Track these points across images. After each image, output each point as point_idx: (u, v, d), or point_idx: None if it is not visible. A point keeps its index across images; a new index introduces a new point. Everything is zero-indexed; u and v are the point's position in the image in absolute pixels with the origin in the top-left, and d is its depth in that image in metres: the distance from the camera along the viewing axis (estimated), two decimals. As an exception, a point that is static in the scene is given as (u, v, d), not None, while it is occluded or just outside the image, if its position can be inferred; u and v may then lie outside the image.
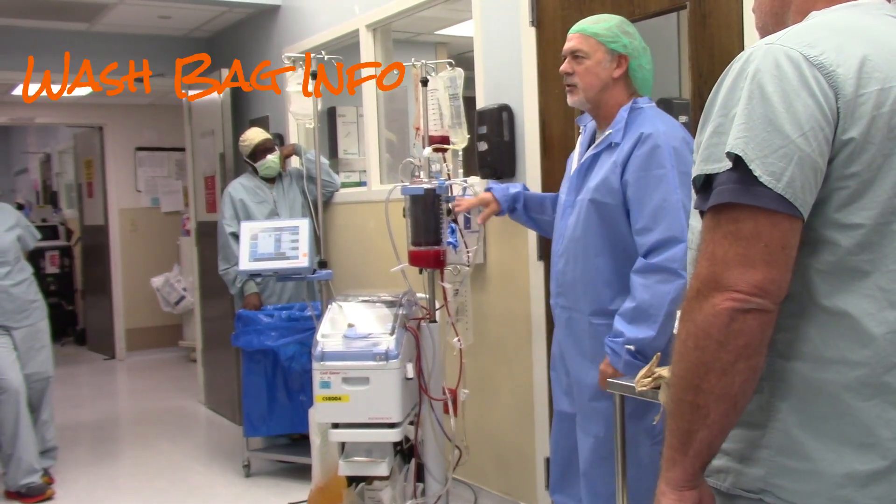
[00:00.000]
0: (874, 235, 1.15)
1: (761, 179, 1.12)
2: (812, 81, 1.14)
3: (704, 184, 1.19)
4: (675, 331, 2.02)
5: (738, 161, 1.13)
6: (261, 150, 4.65)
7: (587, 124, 2.65)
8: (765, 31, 1.38)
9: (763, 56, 1.17)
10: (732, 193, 1.14)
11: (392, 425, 2.89)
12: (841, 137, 1.15)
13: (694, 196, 1.24)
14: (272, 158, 4.65)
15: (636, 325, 2.32)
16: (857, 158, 1.15)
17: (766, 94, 1.14)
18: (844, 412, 1.16)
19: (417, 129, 3.64)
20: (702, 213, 1.20)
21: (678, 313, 1.56)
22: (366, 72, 4.40)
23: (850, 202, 1.15)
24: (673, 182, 2.32)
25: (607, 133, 2.47)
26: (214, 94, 5.59)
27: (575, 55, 2.49)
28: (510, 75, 3.51)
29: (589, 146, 2.57)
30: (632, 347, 2.32)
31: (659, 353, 2.11)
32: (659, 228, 2.32)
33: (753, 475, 1.21)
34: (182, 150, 6.89)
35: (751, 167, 1.12)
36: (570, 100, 2.56)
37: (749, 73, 1.16)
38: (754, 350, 1.14)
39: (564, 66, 2.53)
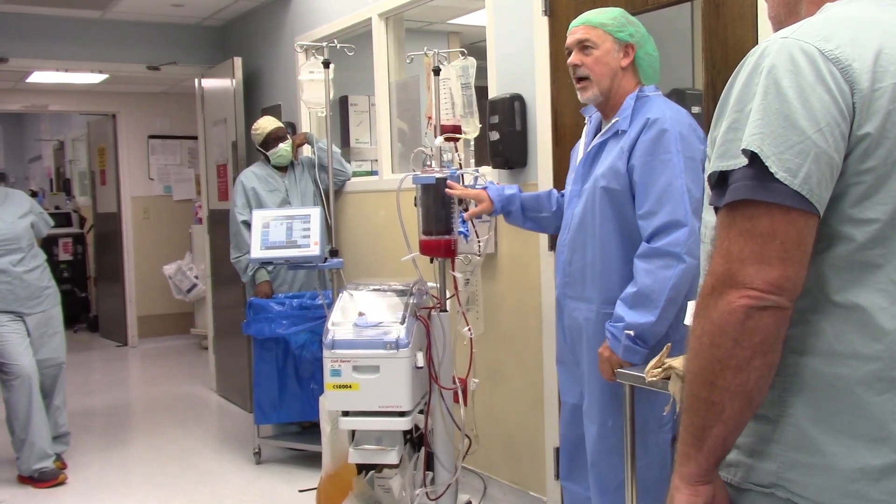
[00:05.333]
0: (888, 230, 1.15)
1: (777, 176, 1.11)
2: (828, 76, 1.13)
3: (719, 180, 1.18)
4: (686, 322, 2.02)
5: (753, 157, 1.13)
6: (273, 139, 4.65)
7: (592, 115, 2.66)
8: (777, 21, 1.37)
9: (778, 50, 1.16)
10: (748, 190, 1.13)
11: (402, 414, 2.90)
12: (857, 132, 1.14)
13: (709, 192, 1.23)
14: (284, 147, 4.66)
15: (637, 310, 2.33)
16: (872, 153, 1.14)
17: (781, 90, 1.13)
18: (857, 407, 1.15)
19: (429, 118, 3.64)
20: (716, 210, 1.20)
21: (690, 305, 1.55)
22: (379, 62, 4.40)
23: (865, 197, 1.15)
24: (678, 167, 2.32)
25: (614, 121, 2.47)
26: (227, 83, 5.60)
27: (584, 46, 2.48)
28: (523, 65, 3.50)
29: (594, 136, 2.58)
30: (631, 332, 2.32)
31: (669, 345, 2.11)
32: (663, 212, 2.32)
33: (765, 469, 1.21)
34: (194, 138, 6.91)
35: (767, 163, 1.11)
36: (582, 96, 2.54)
37: (764, 68, 1.15)
38: (770, 347, 1.14)
39: (573, 59, 2.51)
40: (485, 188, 2.92)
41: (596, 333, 2.51)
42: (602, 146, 2.51)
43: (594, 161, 2.52)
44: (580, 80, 2.52)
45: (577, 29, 2.51)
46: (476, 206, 2.87)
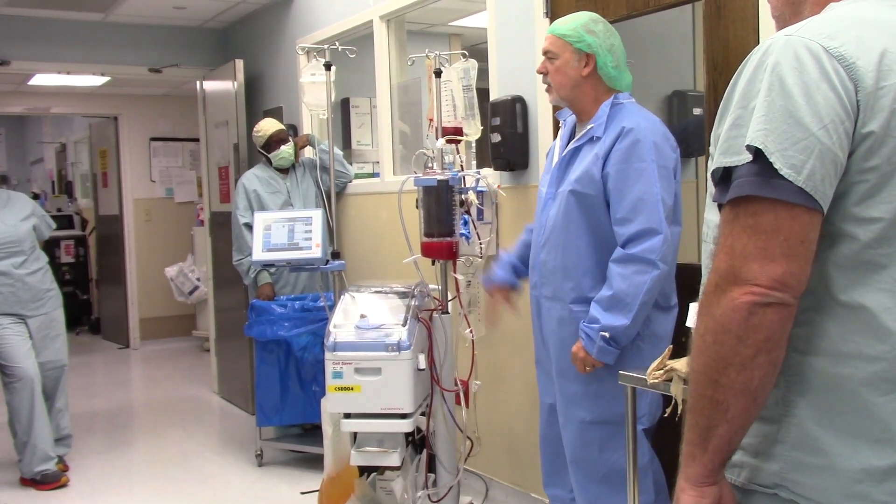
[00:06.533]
0: (892, 229, 1.14)
1: (781, 172, 1.11)
2: (832, 73, 1.12)
3: (723, 177, 1.18)
4: (688, 324, 2.02)
5: (757, 154, 1.13)
6: (275, 141, 4.66)
7: (567, 119, 2.72)
8: (781, 20, 1.37)
9: (782, 48, 1.16)
10: (752, 186, 1.13)
11: (404, 416, 2.90)
12: (861, 131, 1.13)
13: (712, 189, 1.23)
14: (286, 149, 4.66)
15: (612, 312, 2.41)
16: (876, 152, 1.14)
17: (785, 87, 1.13)
18: (861, 407, 1.15)
19: (431, 120, 3.64)
20: (720, 207, 1.19)
21: (693, 307, 1.54)
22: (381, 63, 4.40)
23: (869, 196, 1.14)
24: (653, 175, 2.40)
25: (589, 127, 2.54)
26: (229, 85, 5.60)
27: (547, 55, 2.59)
28: (524, 67, 3.50)
29: (570, 140, 2.64)
30: (606, 334, 2.40)
31: (671, 346, 2.12)
32: (638, 220, 2.40)
33: (769, 470, 1.21)
34: (196, 140, 6.92)
35: (771, 160, 1.11)
36: (549, 98, 2.67)
37: (768, 65, 1.15)
38: (774, 344, 1.14)
39: (539, 67, 2.63)
40: (493, 282, 2.89)
41: (571, 333, 2.56)
42: (577, 151, 2.57)
43: (569, 165, 2.58)
44: (546, 83, 2.63)
45: (547, 37, 2.61)
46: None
